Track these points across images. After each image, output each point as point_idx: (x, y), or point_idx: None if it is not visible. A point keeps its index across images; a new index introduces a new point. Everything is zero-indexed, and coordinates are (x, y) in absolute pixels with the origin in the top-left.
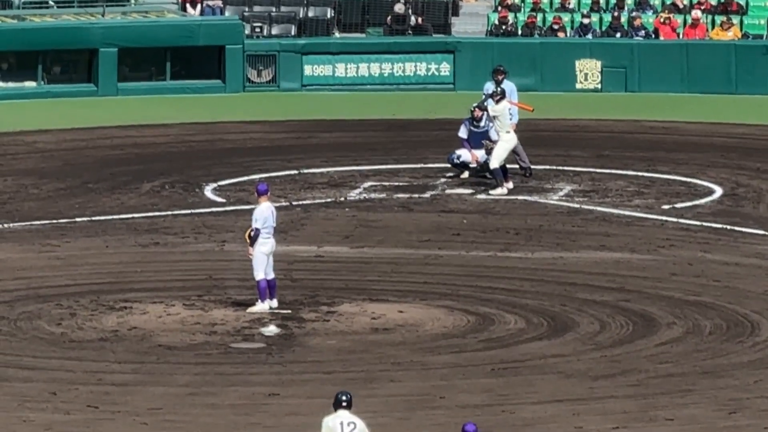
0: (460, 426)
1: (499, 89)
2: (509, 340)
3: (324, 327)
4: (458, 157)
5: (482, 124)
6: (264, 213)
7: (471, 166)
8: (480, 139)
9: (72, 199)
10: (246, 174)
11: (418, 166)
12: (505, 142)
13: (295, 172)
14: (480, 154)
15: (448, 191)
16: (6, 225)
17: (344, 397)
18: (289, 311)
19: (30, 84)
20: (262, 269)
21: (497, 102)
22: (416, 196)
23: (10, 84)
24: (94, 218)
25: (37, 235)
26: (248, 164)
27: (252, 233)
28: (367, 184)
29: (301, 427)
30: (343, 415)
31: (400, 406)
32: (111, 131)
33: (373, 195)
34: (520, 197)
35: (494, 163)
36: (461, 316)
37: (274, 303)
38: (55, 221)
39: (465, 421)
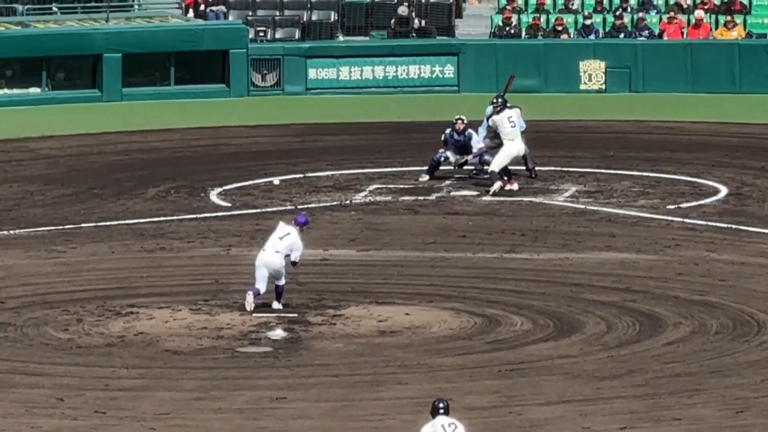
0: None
1: (500, 100)
2: (516, 342)
3: (331, 330)
4: (444, 157)
5: (461, 137)
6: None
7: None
8: (462, 149)
9: (77, 205)
10: (251, 178)
11: (423, 168)
12: (507, 149)
13: (301, 175)
14: (466, 158)
15: (453, 193)
16: (12, 231)
17: (441, 405)
18: (296, 315)
19: (34, 90)
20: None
21: (498, 112)
22: (422, 198)
23: (15, 90)
24: (99, 224)
25: (42, 242)
26: (253, 168)
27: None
28: (372, 187)
29: (308, 431)
30: (442, 419)
31: (407, 409)
32: (116, 137)
33: (378, 198)
34: (526, 198)
35: (494, 167)
36: (468, 318)
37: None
38: (60, 227)
39: (473, 422)
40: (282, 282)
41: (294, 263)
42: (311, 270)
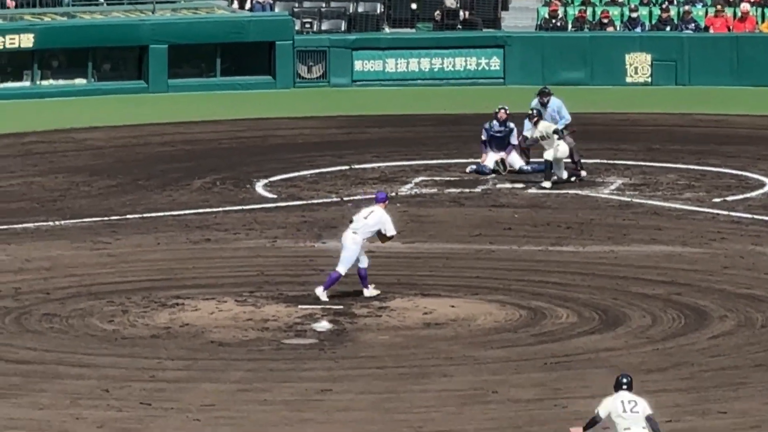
0: (513, 421)
1: (535, 111)
2: (561, 335)
3: (376, 322)
4: (486, 168)
5: (503, 128)
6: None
7: (501, 165)
8: (500, 142)
9: (123, 196)
10: (297, 170)
11: (469, 160)
12: (559, 148)
13: (346, 167)
14: (501, 154)
15: (499, 186)
16: (58, 222)
17: (625, 380)
18: (341, 307)
19: (80, 81)
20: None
21: (535, 125)
22: (467, 190)
23: (61, 81)
24: (145, 215)
25: (88, 233)
26: (299, 160)
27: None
28: (418, 179)
29: (353, 423)
30: (624, 394)
31: (452, 401)
32: (161, 128)
33: (424, 190)
34: (572, 191)
35: (548, 155)
36: (513, 311)
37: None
38: (106, 218)
39: (518, 415)
40: (365, 264)
41: (390, 237)
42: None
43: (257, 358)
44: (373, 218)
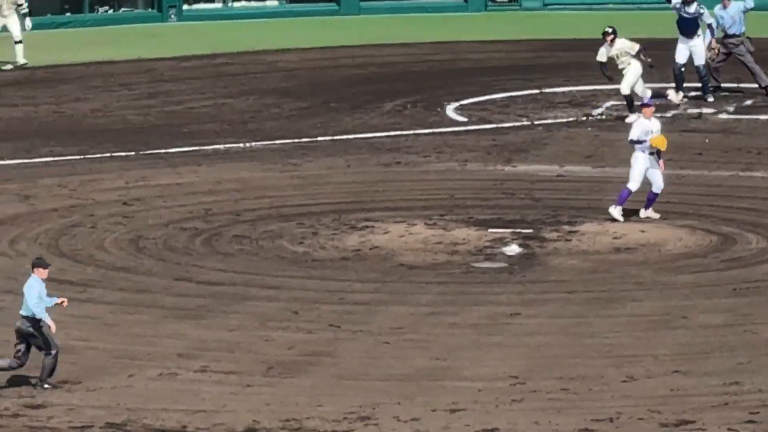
0: (702, 347)
1: (610, 29)
2: (751, 260)
3: (566, 246)
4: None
5: (692, 9)
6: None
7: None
8: (690, 25)
9: (314, 118)
10: (487, 93)
11: (660, 85)
12: (634, 68)
13: (537, 91)
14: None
15: (689, 110)
16: (248, 144)
17: None
18: (531, 231)
19: (272, 3)
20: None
21: (611, 43)
22: (657, 115)
23: (253, 3)
24: (335, 137)
25: (279, 155)
26: (489, 83)
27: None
28: (608, 104)
29: (541, 348)
30: None
31: (641, 326)
32: (352, 51)
33: (615, 113)
34: (762, 117)
35: (625, 89)
36: (703, 236)
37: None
38: (296, 140)
39: (708, 341)
40: (657, 189)
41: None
42: (547, 186)
43: (446, 281)
44: (657, 124)
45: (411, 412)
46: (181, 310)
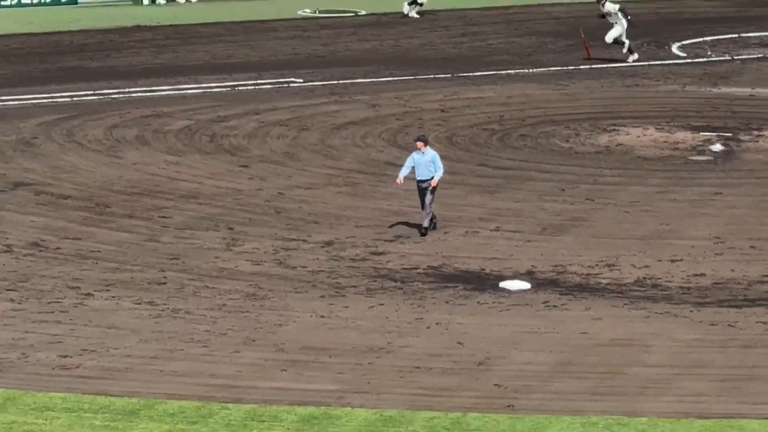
0: None
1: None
2: None
3: (755, 146)
4: None
5: None
6: None
7: None
8: None
9: (578, 52)
10: (700, 36)
11: None
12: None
13: (736, 35)
14: None
15: None
16: (530, 70)
17: None
18: (730, 134)
19: None
20: None
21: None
22: None
23: None
24: (593, 66)
25: (552, 78)
26: (702, 29)
27: None
28: None
29: (737, 217)
30: None
31: None
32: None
33: None
34: None
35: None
36: None
37: None
38: (565, 68)
39: None
40: None
41: None
42: (742, 103)
43: (670, 169)
44: None
45: (643, 261)
46: (483, 187)
